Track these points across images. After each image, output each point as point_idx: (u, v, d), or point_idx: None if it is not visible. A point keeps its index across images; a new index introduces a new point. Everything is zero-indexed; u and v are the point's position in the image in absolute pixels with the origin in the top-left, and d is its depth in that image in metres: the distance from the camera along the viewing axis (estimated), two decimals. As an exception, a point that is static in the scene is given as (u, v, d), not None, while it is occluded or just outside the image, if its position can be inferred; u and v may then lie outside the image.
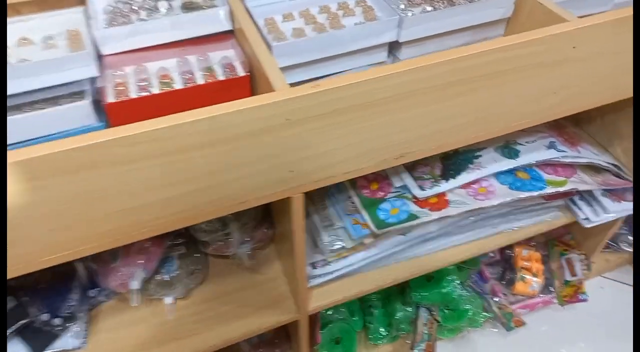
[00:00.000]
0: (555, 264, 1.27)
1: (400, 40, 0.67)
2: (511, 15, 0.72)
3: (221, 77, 0.64)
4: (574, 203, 1.00)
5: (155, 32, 0.66)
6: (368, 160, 0.65)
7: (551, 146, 0.89)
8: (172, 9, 0.69)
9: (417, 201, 0.83)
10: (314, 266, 0.88)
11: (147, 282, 0.87)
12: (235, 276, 0.94)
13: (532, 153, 0.87)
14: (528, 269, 1.22)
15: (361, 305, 1.16)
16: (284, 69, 0.65)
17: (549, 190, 0.86)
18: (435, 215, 0.81)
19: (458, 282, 1.13)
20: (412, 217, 0.81)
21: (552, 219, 1.01)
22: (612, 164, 0.96)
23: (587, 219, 0.99)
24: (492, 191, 0.85)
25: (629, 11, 0.62)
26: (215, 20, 0.67)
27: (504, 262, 1.27)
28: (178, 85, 0.63)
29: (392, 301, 1.17)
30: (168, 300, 0.88)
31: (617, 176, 0.97)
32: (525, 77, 0.64)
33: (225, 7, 0.67)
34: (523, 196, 0.84)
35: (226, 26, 0.67)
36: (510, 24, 0.74)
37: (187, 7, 0.69)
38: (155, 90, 0.62)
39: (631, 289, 1.31)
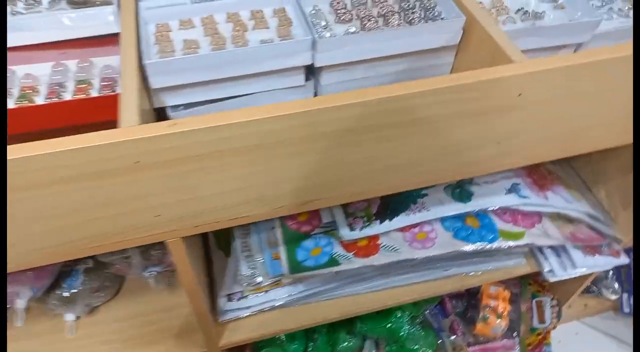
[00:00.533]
0: (526, 306, 1.15)
1: (317, 65, 0.56)
2: (461, 42, 0.60)
3: (94, 94, 0.54)
4: (541, 251, 0.88)
5: (31, 30, 0.56)
6: (262, 206, 0.55)
7: (513, 190, 0.77)
8: (56, 2, 0.59)
9: (343, 241, 0.73)
10: (230, 297, 0.79)
11: (47, 295, 0.80)
12: (149, 296, 0.86)
13: (488, 197, 0.75)
14: (493, 309, 1.11)
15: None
16: (168, 89, 0.55)
17: (500, 243, 0.75)
18: (359, 262, 0.71)
19: (409, 317, 1.04)
20: (333, 262, 0.71)
21: (513, 266, 0.89)
22: (588, 214, 0.83)
23: (551, 271, 0.87)
24: (432, 238, 0.74)
25: (588, 56, 0.50)
26: (103, 20, 0.57)
27: (469, 296, 1.17)
28: (40, 100, 0.53)
29: (337, 329, 1.08)
30: (68, 317, 0.81)
31: (591, 228, 0.84)
32: (459, 124, 0.53)
33: (113, 7, 0.57)
34: (467, 249, 0.73)
35: (114, 28, 0.57)
36: (461, 52, 0.61)
37: (75, 2, 0.59)
38: (11, 104, 0.52)
39: (609, 340, 1.19)
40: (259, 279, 0.76)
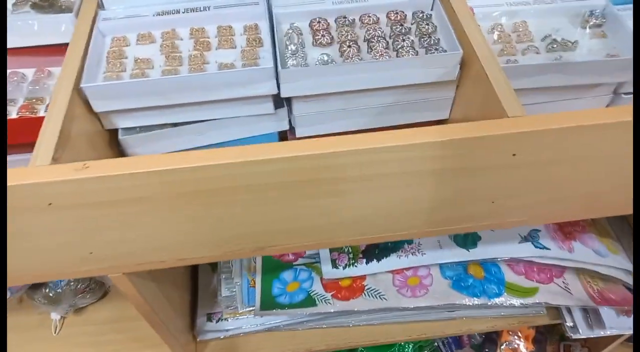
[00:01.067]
0: (552, 348, 1.04)
1: (283, 95, 0.49)
2: (462, 76, 0.50)
3: (42, 112, 0.50)
4: (565, 302, 0.77)
5: (-10, 36, 0.53)
6: (209, 250, 0.49)
7: (529, 238, 0.67)
8: (21, 6, 0.55)
9: (324, 279, 0.66)
10: (209, 317, 0.76)
11: (35, 292, 0.80)
12: (135, 302, 0.84)
13: (496, 245, 0.65)
14: (514, 348, 1.01)
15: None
16: (117, 111, 0.50)
17: (505, 299, 0.65)
18: (337, 306, 0.64)
19: (415, 347, 0.96)
20: (309, 302, 0.65)
21: (531, 315, 0.79)
22: (624, 271, 0.71)
23: (574, 327, 0.76)
24: (425, 286, 0.66)
25: (595, 117, 0.39)
26: (58, 28, 0.52)
27: (489, 329, 1.06)
28: (-17, 115, 0.50)
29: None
30: (54, 315, 0.81)
31: (628, 287, 0.72)
32: (441, 181, 0.44)
33: (71, 15, 0.52)
34: (464, 303, 0.64)
35: (69, 38, 0.52)
36: (462, 86, 0.52)
37: (40, 6, 0.54)
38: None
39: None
40: (237, 304, 0.72)
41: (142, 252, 0.48)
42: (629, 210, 0.51)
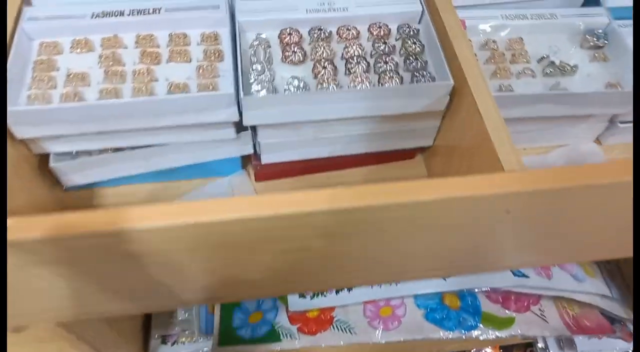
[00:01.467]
0: (518, 355, 1.02)
1: (245, 124, 0.41)
2: (451, 103, 0.44)
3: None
4: (537, 324, 0.73)
5: None
6: (144, 302, 0.42)
7: (508, 266, 0.62)
8: None
9: (290, 310, 0.60)
10: (164, 339, 0.69)
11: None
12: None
13: (474, 274, 0.61)
14: (479, 356, 0.98)
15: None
16: (47, 137, 0.41)
17: (480, 332, 0.60)
18: (304, 341, 0.58)
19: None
20: (272, 336, 0.58)
21: (502, 335, 0.75)
22: (600, 295, 0.68)
23: (545, 349, 0.73)
24: (398, 317, 0.60)
25: (612, 174, 0.33)
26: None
27: (457, 336, 1.03)
28: None
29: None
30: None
31: (603, 312, 0.69)
32: (428, 235, 0.38)
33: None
34: (439, 336, 0.60)
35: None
36: (449, 116, 0.45)
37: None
38: None
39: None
40: (194, 329, 0.65)
41: (69, 309, 0.41)
42: (625, 254, 0.46)
